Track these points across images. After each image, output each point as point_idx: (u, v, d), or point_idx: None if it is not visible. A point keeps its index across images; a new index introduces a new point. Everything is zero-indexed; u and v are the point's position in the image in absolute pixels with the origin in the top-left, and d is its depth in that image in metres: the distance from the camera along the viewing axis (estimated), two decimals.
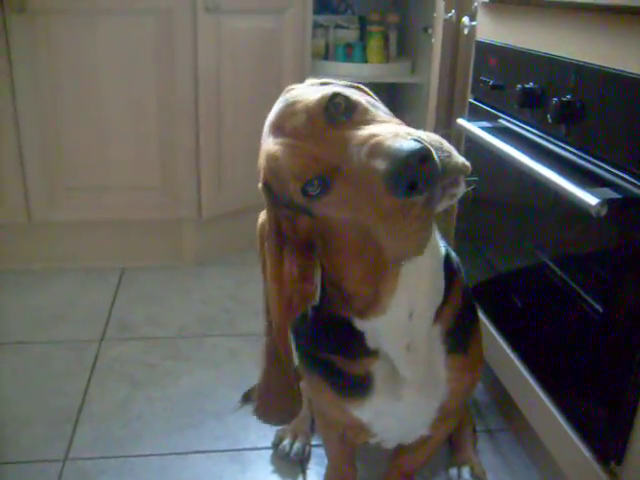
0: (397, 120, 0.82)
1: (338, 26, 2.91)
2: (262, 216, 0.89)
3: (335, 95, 0.78)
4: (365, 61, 2.83)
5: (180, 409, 1.66)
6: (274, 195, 0.83)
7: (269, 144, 0.80)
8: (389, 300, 0.90)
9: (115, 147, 2.26)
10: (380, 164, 0.70)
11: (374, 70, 2.74)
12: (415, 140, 0.69)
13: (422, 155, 0.68)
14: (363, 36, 2.91)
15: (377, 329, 0.95)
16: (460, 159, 0.74)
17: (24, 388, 1.72)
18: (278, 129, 0.80)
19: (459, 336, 1.01)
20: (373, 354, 0.98)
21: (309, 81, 0.90)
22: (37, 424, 1.58)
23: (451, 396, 1.06)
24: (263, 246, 0.87)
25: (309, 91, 0.82)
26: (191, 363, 1.85)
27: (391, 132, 0.73)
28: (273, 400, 0.99)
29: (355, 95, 0.81)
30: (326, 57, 2.88)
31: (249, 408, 1.65)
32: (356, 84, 0.90)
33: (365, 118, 0.79)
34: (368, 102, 0.82)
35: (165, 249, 2.46)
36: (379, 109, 0.83)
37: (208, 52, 2.21)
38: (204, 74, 2.22)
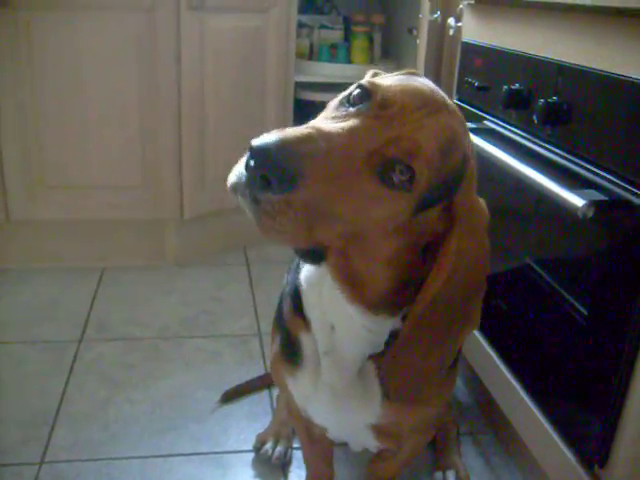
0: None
1: (323, 26, 2.91)
2: None
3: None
4: (349, 62, 2.83)
5: (160, 411, 1.63)
6: None
7: None
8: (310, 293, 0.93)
9: (97, 145, 2.22)
10: None
11: (358, 71, 2.71)
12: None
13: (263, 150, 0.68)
14: (348, 37, 2.91)
15: (308, 303, 0.95)
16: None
17: (0, 389, 1.69)
18: None
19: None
20: (307, 323, 0.97)
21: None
22: (13, 426, 1.55)
23: (391, 427, 1.03)
24: None
25: None
26: (172, 364, 1.83)
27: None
28: None
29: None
30: (310, 57, 2.88)
31: (230, 410, 1.64)
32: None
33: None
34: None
35: (146, 249, 2.43)
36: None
37: (191, 50, 2.19)
38: (187, 73, 2.20)
